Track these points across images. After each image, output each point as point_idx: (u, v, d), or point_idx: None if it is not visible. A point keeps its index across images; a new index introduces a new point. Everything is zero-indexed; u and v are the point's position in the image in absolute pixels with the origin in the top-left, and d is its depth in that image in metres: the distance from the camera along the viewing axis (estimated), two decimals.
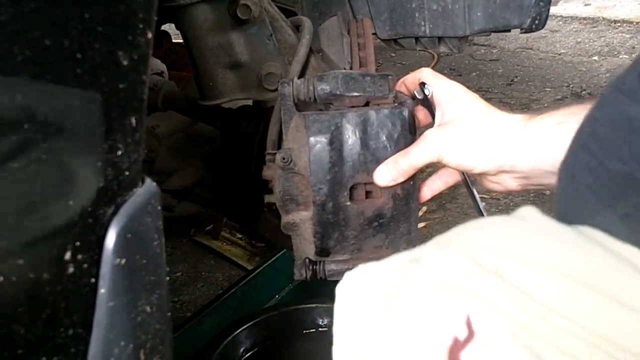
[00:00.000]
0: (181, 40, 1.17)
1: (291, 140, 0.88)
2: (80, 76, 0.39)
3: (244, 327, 1.38)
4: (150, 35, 0.43)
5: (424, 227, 2.12)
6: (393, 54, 3.63)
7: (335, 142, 0.85)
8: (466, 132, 0.79)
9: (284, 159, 0.87)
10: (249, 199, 1.21)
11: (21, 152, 0.37)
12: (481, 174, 0.82)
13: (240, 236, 1.99)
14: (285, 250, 1.61)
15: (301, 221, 0.89)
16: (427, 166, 0.85)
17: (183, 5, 0.96)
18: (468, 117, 0.80)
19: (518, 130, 0.76)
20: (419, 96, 0.89)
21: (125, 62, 0.42)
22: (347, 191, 0.87)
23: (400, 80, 0.94)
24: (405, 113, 0.87)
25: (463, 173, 0.87)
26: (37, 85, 0.37)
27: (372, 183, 0.88)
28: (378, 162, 0.86)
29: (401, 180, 0.84)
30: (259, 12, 0.97)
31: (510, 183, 0.80)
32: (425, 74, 0.90)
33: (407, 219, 0.91)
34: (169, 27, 1.66)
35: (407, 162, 0.82)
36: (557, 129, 0.71)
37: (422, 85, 0.88)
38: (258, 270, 1.61)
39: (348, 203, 0.87)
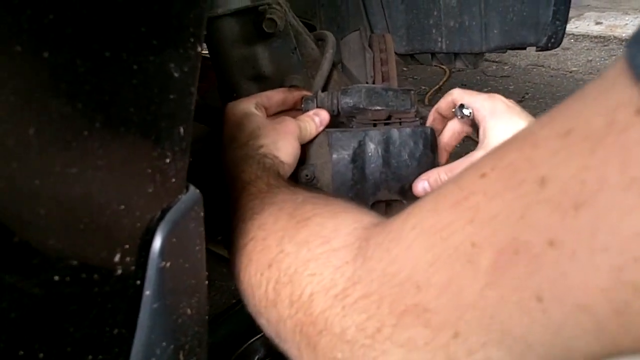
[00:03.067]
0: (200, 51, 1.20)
1: (314, 156, 0.90)
2: (136, 87, 0.41)
3: (259, 335, 1.39)
4: (199, 48, 0.45)
5: None
6: (405, 68, 3.65)
7: (358, 160, 0.87)
8: None
9: (307, 175, 0.89)
10: None
11: (80, 158, 0.39)
12: None
13: None
14: None
15: None
16: None
17: (210, 17, 0.99)
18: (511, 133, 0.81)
19: None
20: (459, 117, 0.91)
21: (176, 74, 0.44)
22: (368, 208, 0.88)
23: (434, 109, 0.95)
24: (428, 132, 0.89)
25: None
26: (96, 95, 0.39)
27: (394, 200, 0.89)
28: (400, 180, 0.88)
29: None
30: (284, 26, 1.00)
31: None
32: (458, 94, 0.91)
33: None
34: None
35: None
36: None
37: (461, 107, 0.89)
38: None
39: None
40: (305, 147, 0.90)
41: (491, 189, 0.37)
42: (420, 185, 0.85)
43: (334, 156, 0.87)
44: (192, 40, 0.44)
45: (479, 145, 0.86)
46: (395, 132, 0.87)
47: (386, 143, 0.87)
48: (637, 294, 0.30)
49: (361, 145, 0.87)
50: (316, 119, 0.91)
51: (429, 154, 0.88)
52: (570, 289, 0.32)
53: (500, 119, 0.85)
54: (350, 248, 0.49)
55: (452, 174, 0.83)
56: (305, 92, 0.98)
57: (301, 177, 0.89)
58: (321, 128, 0.91)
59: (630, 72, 0.30)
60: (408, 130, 0.88)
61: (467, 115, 0.89)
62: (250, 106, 0.88)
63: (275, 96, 0.94)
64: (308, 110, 0.92)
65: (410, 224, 0.43)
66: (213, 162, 0.92)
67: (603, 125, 0.31)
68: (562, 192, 0.32)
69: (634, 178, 0.29)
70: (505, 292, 0.35)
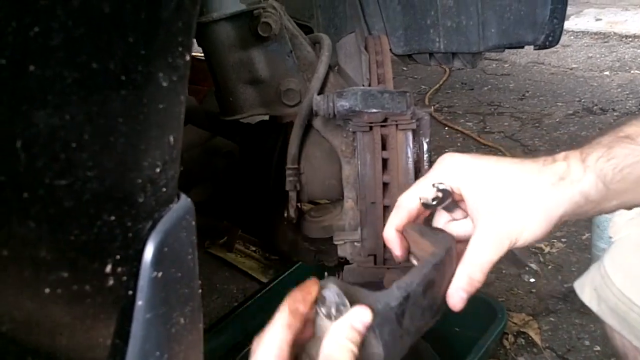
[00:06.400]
0: (197, 54, 1.20)
1: None
2: (124, 97, 0.41)
3: None
4: (188, 57, 0.45)
5: None
6: (404, 68, 3.65)
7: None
8: (530, 208, 0.69)
9: None
10: (266, 212, 1.23)
11: (68, 170, 0.39)
12: None
13: (254, 249, 2.01)
14: (299, 263, 1.63)
15: None
16: None
17: (205, 22, 0.99)
18: (514, 189, 0.69)
19: (569, 179, 0.68)
20: (434, 200, 0.70)
21: (165, 84, 0.43)
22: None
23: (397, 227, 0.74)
24: (452, 252, 0.70)
25: None
26: (84, 106, 0.39)
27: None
28: (432, 309, 0.67)
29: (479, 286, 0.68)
30: (279, 29, 1.00)
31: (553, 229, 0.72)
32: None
33: None
34: None
35: (481, 269, 0.68)
36: (605, 167, 0.67)
37: (434, 185, 0.70)
38: (273, 283, 1.62)
39: None
40: None
41: None
42: (458, 296, 0.68)
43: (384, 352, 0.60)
44: (180, 49, 0.44)
45: (475, 220, 0.70)
46: (433, 273, 0.66)
47: (424, 291, 0.65)
48: None
49: (403, 312, 0.63)
50: (357, 337, 0.59)
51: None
52: None
53: (477, 178, 0.71)
54: None
55: (481, 263, 0.68)
56: (309, 289, 0.63)
57: None
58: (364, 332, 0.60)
59: None
60: (445, 260, 0.67)
61: (447, 190, 0.70)
62: None
63: (285, 349, 0.55)
64: (323, 323, 0.60)
65: None
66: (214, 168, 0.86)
67: None
68: None
69: None
70: None
